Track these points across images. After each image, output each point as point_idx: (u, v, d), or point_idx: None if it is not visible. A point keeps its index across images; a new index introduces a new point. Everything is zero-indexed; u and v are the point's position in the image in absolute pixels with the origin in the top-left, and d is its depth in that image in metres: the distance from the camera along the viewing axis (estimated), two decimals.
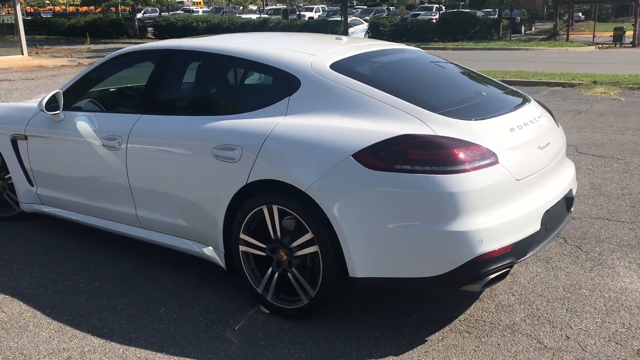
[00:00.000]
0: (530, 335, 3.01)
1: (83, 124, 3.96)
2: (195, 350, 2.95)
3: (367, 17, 37.06)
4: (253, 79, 3.51)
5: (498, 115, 3.09)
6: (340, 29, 28.47)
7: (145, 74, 4.59)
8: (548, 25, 42.64)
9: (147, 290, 3.60)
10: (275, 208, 3.09)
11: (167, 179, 3.54)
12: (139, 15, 35.22)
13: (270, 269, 3.22)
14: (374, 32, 29.22)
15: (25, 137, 4.33)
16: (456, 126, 2.86)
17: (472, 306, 3.31)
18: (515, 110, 3.25)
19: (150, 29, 35.43)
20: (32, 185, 4.46)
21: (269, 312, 3.28)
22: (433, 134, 2.80)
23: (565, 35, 27.77)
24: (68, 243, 4.35)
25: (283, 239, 3.12)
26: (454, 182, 2.68)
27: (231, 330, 3.13)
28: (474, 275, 2.76)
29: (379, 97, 3.02)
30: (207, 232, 3.45)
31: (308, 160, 2.94)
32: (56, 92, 4.04)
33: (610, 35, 26.24)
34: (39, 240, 4.43)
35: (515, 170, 2.89)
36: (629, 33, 25.79)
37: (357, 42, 3.79)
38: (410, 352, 2.90)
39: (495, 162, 2.80)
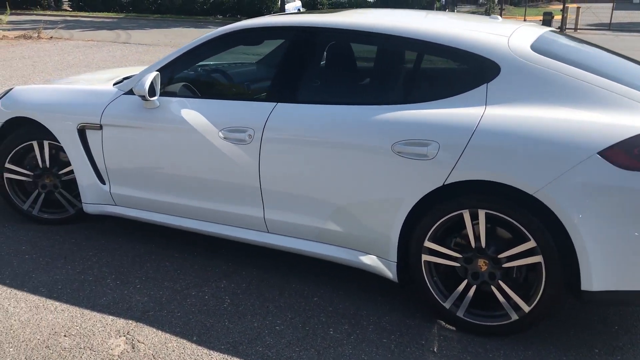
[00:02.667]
0: None
1: (191, 112, 3.34)
2: None
3: None
4: (432, 62, 3.05)
5: None
6: (277, 5, 27.77)
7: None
8: (468, 8, 43.81)
9: (294, 306, 3.10)
10: (482, 213, 2.69)
11: (319, 178, 3.03)
12: None
13: (465, 282, 2.83)
14: (312, 9, 28.68)
15: (100, 127, 3.62)
16: None
17: None
18: None
19: (66, 0, 32.95)
20: (104, 184, 3.76)
21: (454, 328, 2.90)
22: None
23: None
24: (138, 247, 3.73)
25: (487, 248, 2.74)
26: None
27: (431, 352, 2.72)
28: None
29: (603, 84, 2.67)
30: (371, 238, 3.00)
31: (537, 159, 2.55)
32: (155, 74, 3.38)
33: (540, 20, 27.20)
34: (102, 245, 3.77)
35: None
36: (557, 17, 26.85)
37: (517, 22, 3.41)
38: None
39: None
